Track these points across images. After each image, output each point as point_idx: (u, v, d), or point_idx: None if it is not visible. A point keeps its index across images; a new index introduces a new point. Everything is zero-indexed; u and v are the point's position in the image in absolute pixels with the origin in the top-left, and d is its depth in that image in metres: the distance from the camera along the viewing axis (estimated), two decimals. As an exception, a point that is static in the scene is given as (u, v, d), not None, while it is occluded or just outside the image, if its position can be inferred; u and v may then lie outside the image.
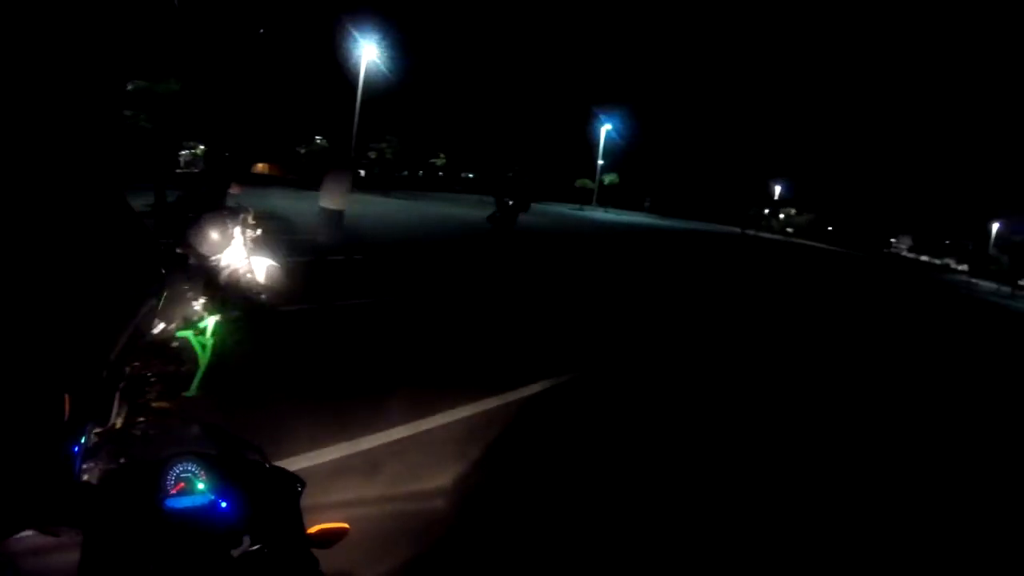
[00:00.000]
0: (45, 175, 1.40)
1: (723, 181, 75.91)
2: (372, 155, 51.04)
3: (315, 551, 1.60)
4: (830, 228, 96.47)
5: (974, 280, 66.36)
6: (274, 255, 6.73)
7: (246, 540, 1.48)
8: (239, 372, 5.00)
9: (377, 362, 6.88)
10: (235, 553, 1.47)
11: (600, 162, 67.53)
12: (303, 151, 47.70)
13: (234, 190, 7.93)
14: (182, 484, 1.49)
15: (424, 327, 8.61)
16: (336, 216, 12.41)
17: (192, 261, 3.58)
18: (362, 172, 47.98)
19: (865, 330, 16.29)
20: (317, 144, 48.73)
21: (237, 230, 7.03)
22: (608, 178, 70.12)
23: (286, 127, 46.64)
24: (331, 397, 5.62)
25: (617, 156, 69.78)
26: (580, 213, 55.65)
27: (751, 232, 69.98)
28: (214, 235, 4.61)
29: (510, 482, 4.73)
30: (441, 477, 4.66)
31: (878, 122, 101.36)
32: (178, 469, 1.50)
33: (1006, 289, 55.56)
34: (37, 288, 1.35)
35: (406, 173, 57.05)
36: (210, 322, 3.17)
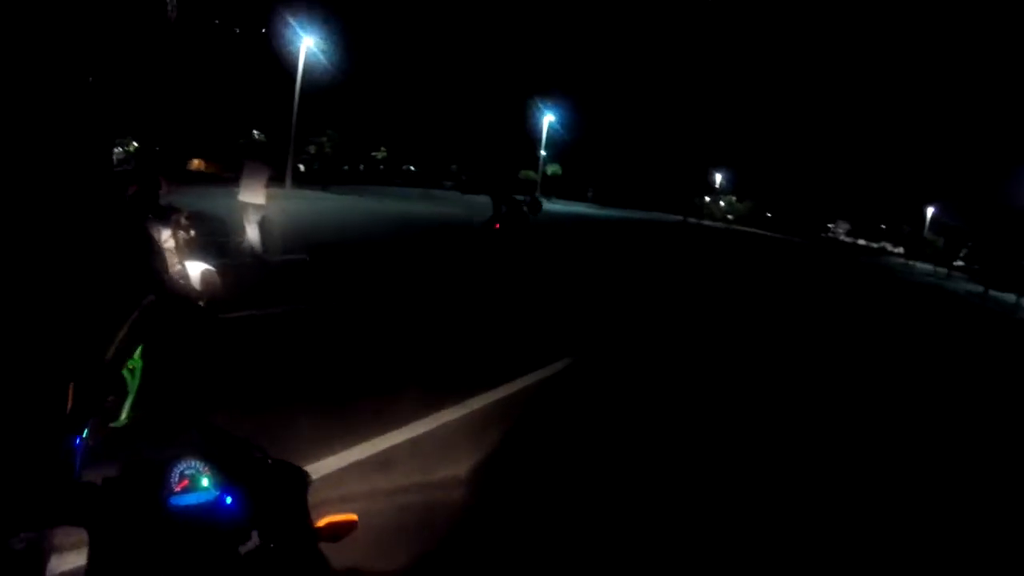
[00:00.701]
0: (53, 180, 1.45)
1: (665, 170, 76.40)
2: (311, 149, 50.15)
3: (324, 546, 1.58)
4: (769, 214, 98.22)
5: (910, 262, 68.39)
6: (208, 258, 6.29)
7: (254, 536, 1.47)
8: (178, 393, 4.60)
9: (325, 370, 6.43)
10: (243, 550, 1.47)
11: (543, 153, 67.59)
12: (241, 142, 46.59)
13: (163, 189, 7.36)
14: (186, 481, 1.48)
15: (369, 333, 8.25)
16: (259, 212, 11.72)
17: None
18: (301, 167, 47.26)
19: (802, 309, 16.46)
20: (255, 138, 47.67)
21: (167, 233, 6.54)
22: (551, 169, 70.19)
23: (222, 121, 45.53)
24: (290, 412, 5.13)
25: (560, 147, 69.92)
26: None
27: (693, 220, 70.63)
28: None
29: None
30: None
31: (814, 110, 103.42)
32: (181, 467, 1.48)
33: (942, 270, 57.47)
34: (44, 281, 1.43)
35: (347, 167, 56.29)
36: (137, 341, 2.75)
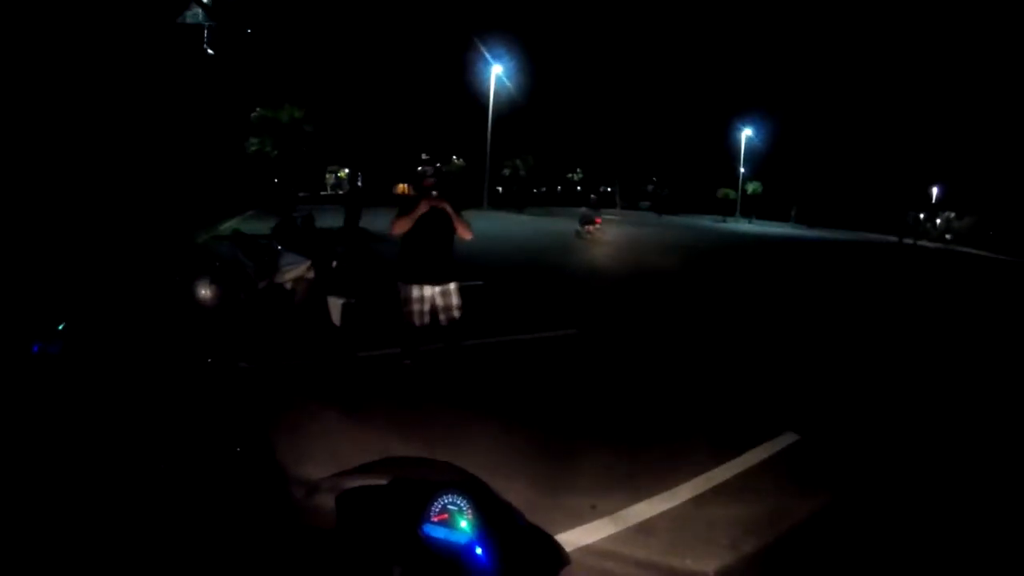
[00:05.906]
0: None
1: (875, 186, 70.87)
2: (506, 172, 51.19)
3: None
4: (991, 232, 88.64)
5: None
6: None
7: None
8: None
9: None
10: None
11: (742, 170, 65.27)
12: (444, 170, 48.64)
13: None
14: (446, 516, 1.45)
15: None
16: None
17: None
18: (500, 189, 48.56)
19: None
20: (455, 164, 49.34)
21: (303, 267, 8.42)
22: (751, 187, 67.33)
23: (425, 149, 47.72)
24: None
25: (759, 163, 67.02)
26: (723, 225, 53.75)
27: (909, 241, 64.35)
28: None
29: None
30: None
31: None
32: (447, 499, 1.46)
33: None
34: None
35: (543, 189, 57.11)
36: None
